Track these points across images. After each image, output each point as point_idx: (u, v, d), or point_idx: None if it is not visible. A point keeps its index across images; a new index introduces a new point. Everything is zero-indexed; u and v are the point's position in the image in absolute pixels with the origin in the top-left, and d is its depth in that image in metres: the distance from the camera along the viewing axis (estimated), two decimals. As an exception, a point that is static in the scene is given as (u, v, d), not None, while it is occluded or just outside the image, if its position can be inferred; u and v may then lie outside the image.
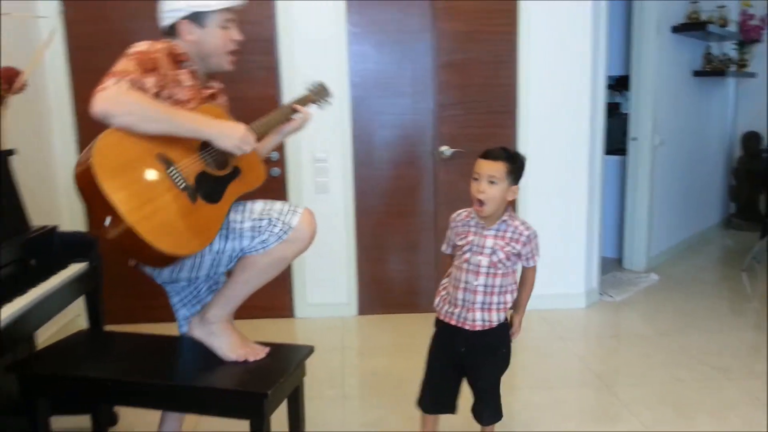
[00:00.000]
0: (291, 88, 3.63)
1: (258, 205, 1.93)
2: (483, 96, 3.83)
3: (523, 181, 3.81)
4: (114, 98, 1.70)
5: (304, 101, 2.24)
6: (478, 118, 3.84)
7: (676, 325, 3.73)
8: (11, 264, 2.10)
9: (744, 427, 2.57)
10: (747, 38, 5.85)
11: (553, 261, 3.92)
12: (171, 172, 1.76)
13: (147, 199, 1.67)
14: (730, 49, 5.89)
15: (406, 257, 3.93)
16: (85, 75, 3.46)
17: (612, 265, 4.92)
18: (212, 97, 2.06)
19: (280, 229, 1.87)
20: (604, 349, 3.47)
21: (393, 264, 3.92)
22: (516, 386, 2.94)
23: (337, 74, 3.67)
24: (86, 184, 1.62)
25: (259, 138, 2.01)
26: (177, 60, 1.91)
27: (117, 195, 1.61)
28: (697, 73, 5.36)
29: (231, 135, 1.83)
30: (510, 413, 2.56)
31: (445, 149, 3.80)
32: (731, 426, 2.58)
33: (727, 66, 5.66)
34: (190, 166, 1.82)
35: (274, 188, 3.71)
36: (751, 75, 5.97)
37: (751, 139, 6.15)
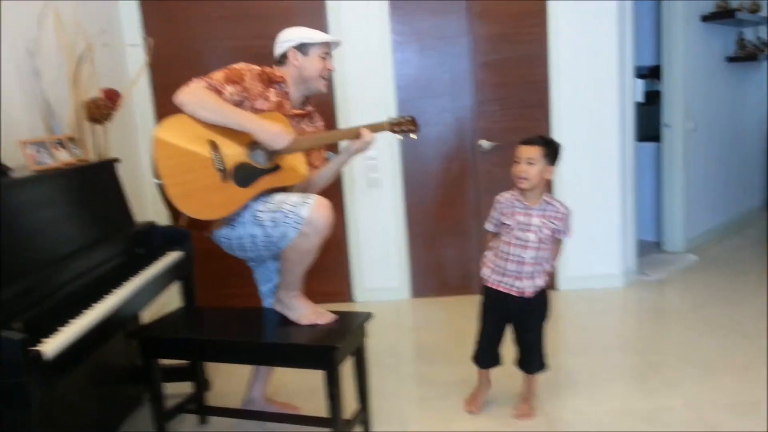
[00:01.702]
0: (343, 95, 4.04)
1: (277, 197, 2.29)
2: (517, 92, 4.16)
3: (557, 170, 4.17)
4: (189, 91, 2.24)
5: (376, 128, 2.53)
6: (513, 113, 4.18)
7: (707, 299, 3.98)
8: (124, 252, 2.55)
9: (760, 382, 2.84)
10: (782, 21, 5.96)
11: (589, 244, 4.23)
12: (214, 154, 2.24)
13: (185, 170, 2.18)
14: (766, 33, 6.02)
15: (453, 243, 4.30)
16: (165, 90, 3.92)
17: (651, 247, 5.17)
18: (301, 116, 2.51)
19: (293, 220, 2.20)
20: (637, 322, 3.76)
21: (441, 250, 4.28)
22: (551, 354, 3.22)
23: (383, 80, 4.08)
24: (152, 148, 2.18)
25: (311, 147, 2.47)
26: (271, 81, 2.40)
27: (162, 162, 2.15)
28: (731, 59, 5.54)
29: (267, 131, 2.26)
30: (546, 374, 2.91)
31: (484, 143, 4.15)
32: (749, 381, 2.85)
33: (762, 50, 5.80)
34: (233, 155, 2.28)
35: (330, 185, 4.11)
36: (789, 58, 6.08)
37: (791, 120, 6.25)
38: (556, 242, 2.57)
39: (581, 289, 4.25)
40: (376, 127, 2.53)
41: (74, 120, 2.92)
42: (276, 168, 2.36)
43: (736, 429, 2.46)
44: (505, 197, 2.56)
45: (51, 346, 1.66)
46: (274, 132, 2.27)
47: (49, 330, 1.78)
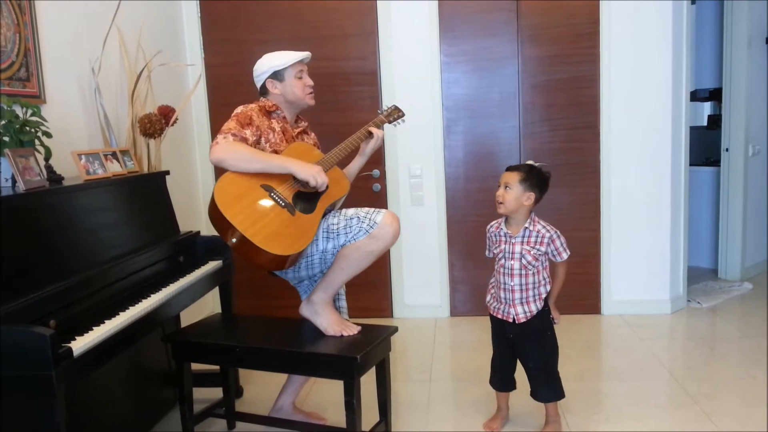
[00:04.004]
0: (390, 114, 4.13)
1: (351, 210, 2.44)
2: (566, 114, 4.14)
3: (607, 192, 4.09)
4: (223, 148, 2.33)
5: (378, 123, 2.75)
6: (562, 134, 4.16)
7: (758, 330, 3.82)
8: (166, 259, 2.71)
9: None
10: None
11: (638, 269, 4.15)
12: (273, 195, 2.34)
13: (258, 218, 2.25)
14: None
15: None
16: (222, 109, 4.14)
17: (707, 275, 4.99)
18: (302, 133, 2.67)
19: (367, 224, 2.35)
20: (681, 350, 3.64)
21: (482, 269, 4.27)
22: (587, 378, 3.21)
23: (430, 100, 4.15)
24: (214, 212, 2.26)
25: (337, 161, 2.58)
26: (268, 112, 2.53)
27: (236, 219, 2.21)
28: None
29: (307, 171, 2.36)
30: (577, 397, 2.88)
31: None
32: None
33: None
34: (287, 189, 2.39)
35: (376, 202, 4.21)
36: None
37: None
38: (558, 266, 2.57)
39: (627, 314, 4.16)
40: (377, 123, 2.76)
41: (130, 134, 3.13)
42: (325, 188, 2.48)
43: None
44: (492, 227, 2.63)
45: (80, 343, 1.80)
46: (313, 171, 2.37)
47: (84, 328, 1.93)
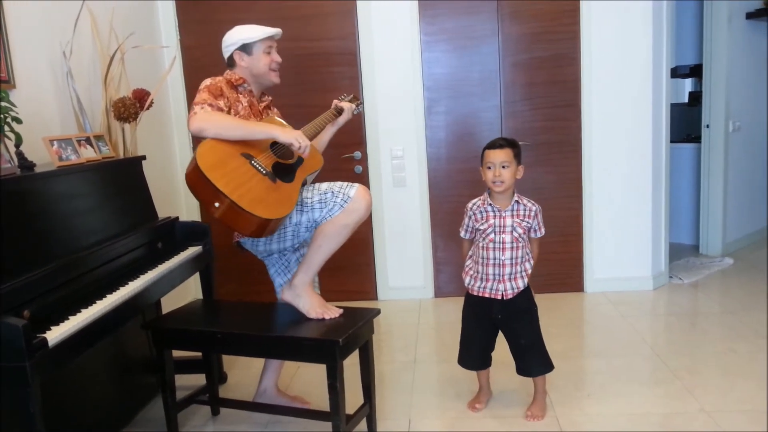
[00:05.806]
0: (371, 94, 4.09)
1: (324, 185, 2.46)
2: (547, 92, 4.12)
3: (588, 170, 4.10)
4: (203, 118, 2.31)
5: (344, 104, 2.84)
6: (543, 113, 4.14)
7: (742, 304, 3.86)
8: (144, 245, 2.66)
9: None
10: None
11: (619, 246, 4.16)
12: (253, 163, 2.33)
13: (241, 183, 2.23)
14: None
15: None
16: (197, 92, 4.07)
17: (689, 251, 5.03)
18: (267, 107, 2.68)
19: (341, 199, 2.38)
20: (663, 325, 3.67)
21: (466, 250, 4.28)
22: (570, 355, 3.23)
23: (411, 80, 4.10)
24: (196, 179, 2.21)
25: (313, 134, 2.61)
26: (235, 85, 2.51)
27: (220, 182, 2.18)
28: (778, 58, 5.32)
29: (289, 135, 2.36)
30: (560, 375, 2.89)
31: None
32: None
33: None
34: (266, 159, 2.39)
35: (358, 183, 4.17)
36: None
37: None
38: (534, 242, 2.60)
39: (609, 291, 4.18)
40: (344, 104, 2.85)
41: (105, 119, 3.07)
42: (300, 160, 2.52)
43: (751, 438, 2.39)
44: (476, 204, 2.59)
45: (55, 333, 1.76)
46: (295, 135, 2.38)
47: (60, 318, 1.90)
